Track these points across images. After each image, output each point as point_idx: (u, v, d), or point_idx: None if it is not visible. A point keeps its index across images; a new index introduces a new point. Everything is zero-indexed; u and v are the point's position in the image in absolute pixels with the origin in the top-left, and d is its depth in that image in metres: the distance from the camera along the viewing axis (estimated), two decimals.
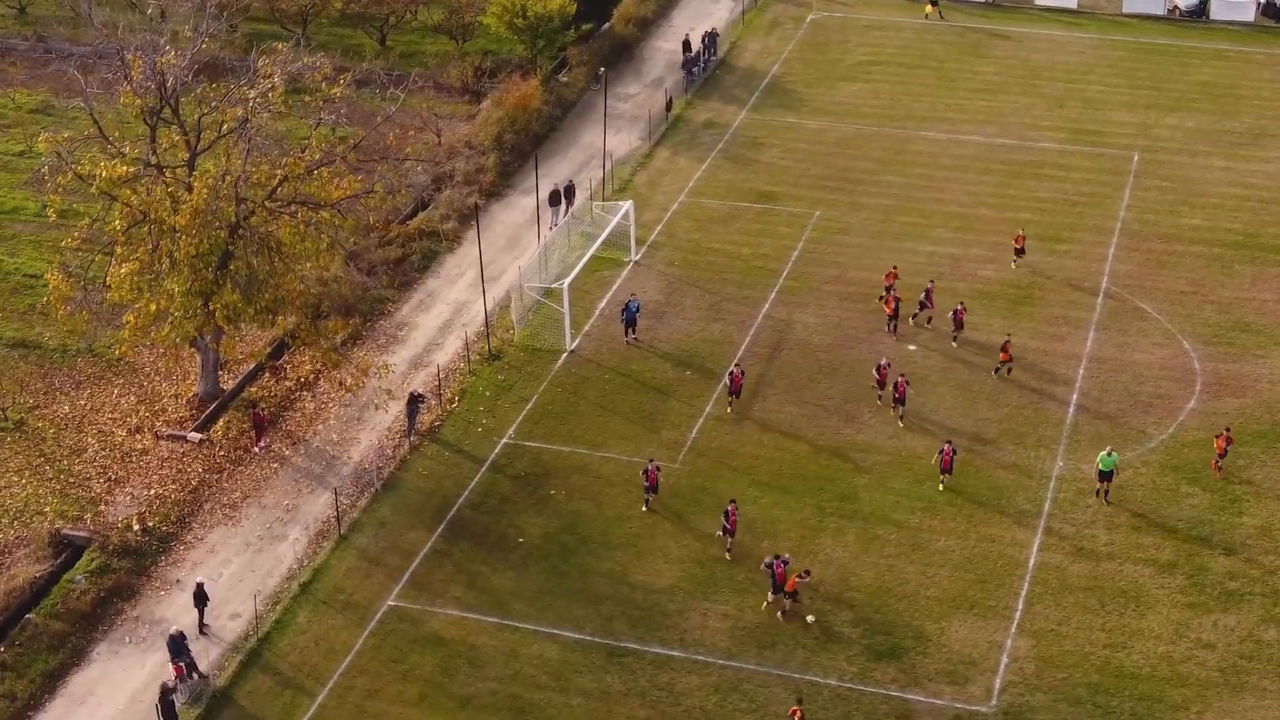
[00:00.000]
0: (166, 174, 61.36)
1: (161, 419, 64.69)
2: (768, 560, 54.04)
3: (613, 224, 72.19)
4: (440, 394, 65.24)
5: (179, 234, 58.03)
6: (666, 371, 66.78)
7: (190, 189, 59.34)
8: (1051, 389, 65.10)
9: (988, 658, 52.41)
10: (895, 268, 70.77)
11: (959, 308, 67.27)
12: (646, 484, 58.24)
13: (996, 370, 65.28)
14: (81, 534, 57.97)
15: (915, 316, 68.62)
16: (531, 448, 62.44)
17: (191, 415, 64.84)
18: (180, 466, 61.80)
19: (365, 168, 66.10)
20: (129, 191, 59.75)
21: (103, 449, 62.93)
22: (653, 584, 55.77)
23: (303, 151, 62.15)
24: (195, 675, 52.03)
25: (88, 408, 65.48)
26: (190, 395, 65.88)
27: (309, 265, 62.49)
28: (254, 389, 66.28)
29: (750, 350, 67.93)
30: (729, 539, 56.45)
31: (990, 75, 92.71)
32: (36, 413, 65.13)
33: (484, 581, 56.03)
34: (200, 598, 54.02)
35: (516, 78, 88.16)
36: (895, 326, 68.27)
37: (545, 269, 71.87)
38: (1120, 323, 69.28)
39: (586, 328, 69.65)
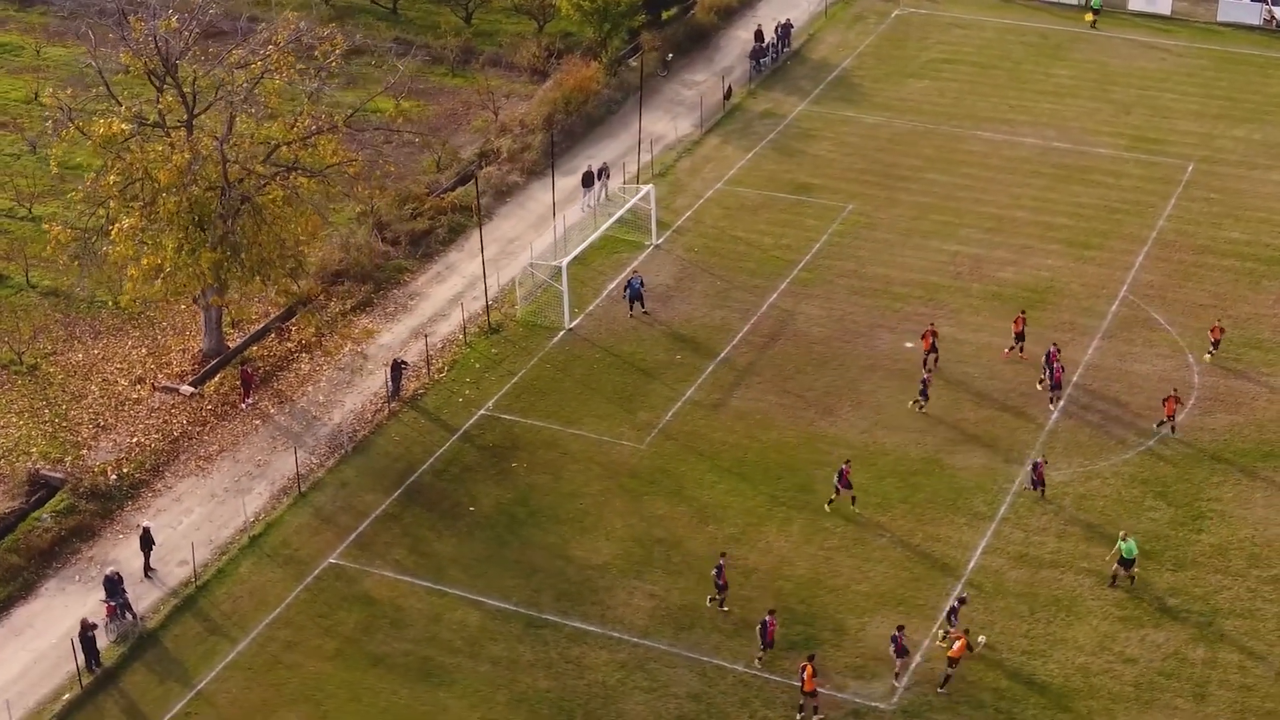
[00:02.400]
0: (174, 134, 63.33)
1: (165, 371, 66.82)
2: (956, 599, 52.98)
3: (627, 206, 72.85)
4: (429, 363, 66.42)
5: (163, 191, 59.89)
6: (658, 354, 67.22)
7: (185, 149, 61.14)
8: (1039, 394, 64.18)
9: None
10: (1024, 313, 66.94)
11: (1058, 367, 63.38)
12: (718, 581, 53.74)
13: (1159, 425, 61.83)
14: (58, 475, 60.24)
15: (1042, 383, 64.04)
16: (506, 420, 63.37)
17: (194, 369, 66.87)
18: (167, 417, 63.88)
19: (359, 138, 67.44)
20: (132, 148, 61.74)
21: (102, 397, 65.26)
22: (589, 560, 56.36)
23: (294, 118, 63.61)
24: (128, 615, 53.84)
25: (100, 357, 67.91)
26: (196, 350, 67.90)
27: (294, 229, 63.72)
28: (257, 348, 68.08)
29: (746, 339, 68.03)
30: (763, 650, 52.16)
31: (1063, 78, 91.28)
32: (52, 358, 67.69)
33: (426, 546, 57.14)
34: (146, 541, 55.89)
35: (577, 59, 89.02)
36: (932, 369, 64.93)
37: (565, 248, 72.64)
38: (1128, 332, 68.05)
39: (591, 307, 70.36)
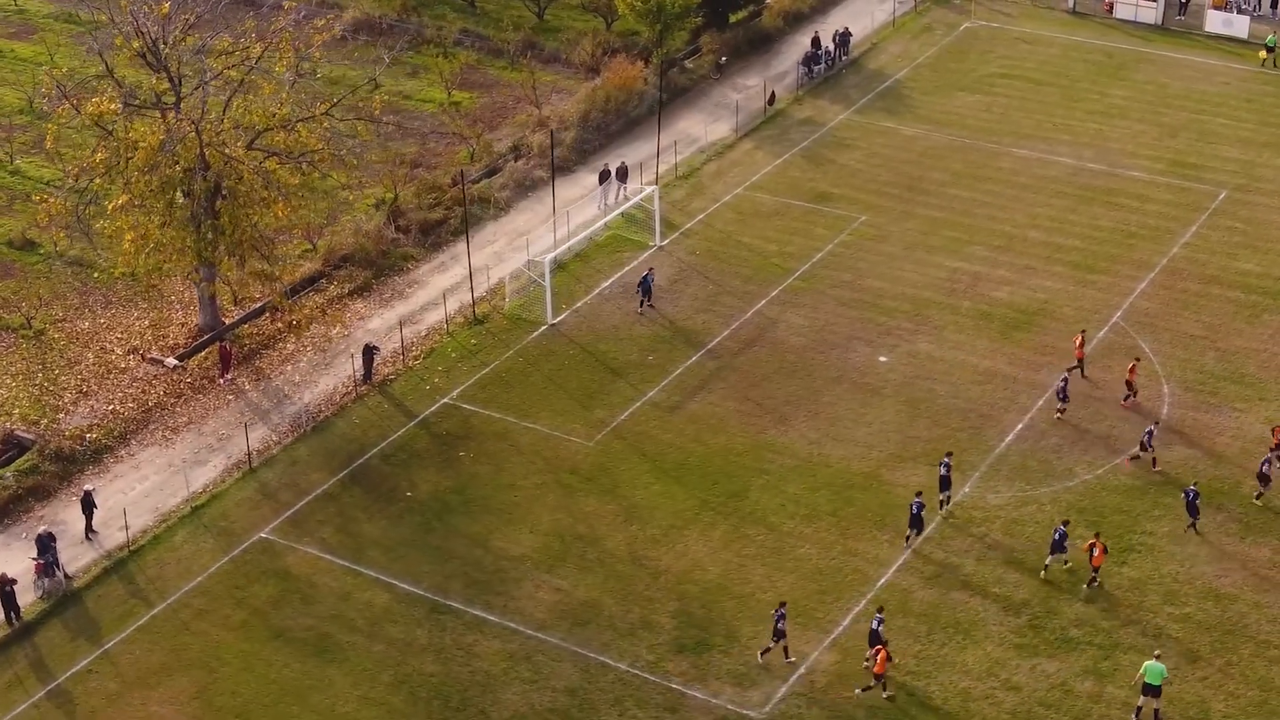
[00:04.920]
0: (169, 115, 65.77)
1: (160, 344, 69.37)
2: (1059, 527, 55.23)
3: (626, 206, 73.82)
4: (405, 350, 68.01)
5: (137, 170, 62.35)
6: (631, 354, 68.02)
7: (160, 130, 63.52)
8: (999, 416, 63.80)
9: (786, 666, 52.35)
10: (1139, 360, 65.09)
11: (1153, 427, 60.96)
12: (779, 627, 52.04)
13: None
14: (29, 436, 63.00)
15: (1259, 495, 59.22)
16: (466, 410, 64.74)
17: (187, 343, 69.30)
18: (145, 387, 66.38)
19: (334, 128, 69.26)
20: (117, 127, 64.30)
21: (94, 364, 67.96)
22: (507, 551, 57.49)
23: (277, 105, 65.63)
24: (58, 573, 56.28)
25: (104, 326, 70.68)
26: (194, 325, 70.36)
27: (267, 215, 65.68)
28: (249, 327, 70.30)
29: (723, 343, 68.52)
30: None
31: (1117, 98, 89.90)
32: (60, 325, 70.63)
33: (355, 527, 58.74)
34: (87, 504, 58.30)
35: (622, 58, 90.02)
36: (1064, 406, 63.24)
37: (568, 245, 73.80)
38: (1108, 359, 67.14)
39: (579, 304, 71.37)
